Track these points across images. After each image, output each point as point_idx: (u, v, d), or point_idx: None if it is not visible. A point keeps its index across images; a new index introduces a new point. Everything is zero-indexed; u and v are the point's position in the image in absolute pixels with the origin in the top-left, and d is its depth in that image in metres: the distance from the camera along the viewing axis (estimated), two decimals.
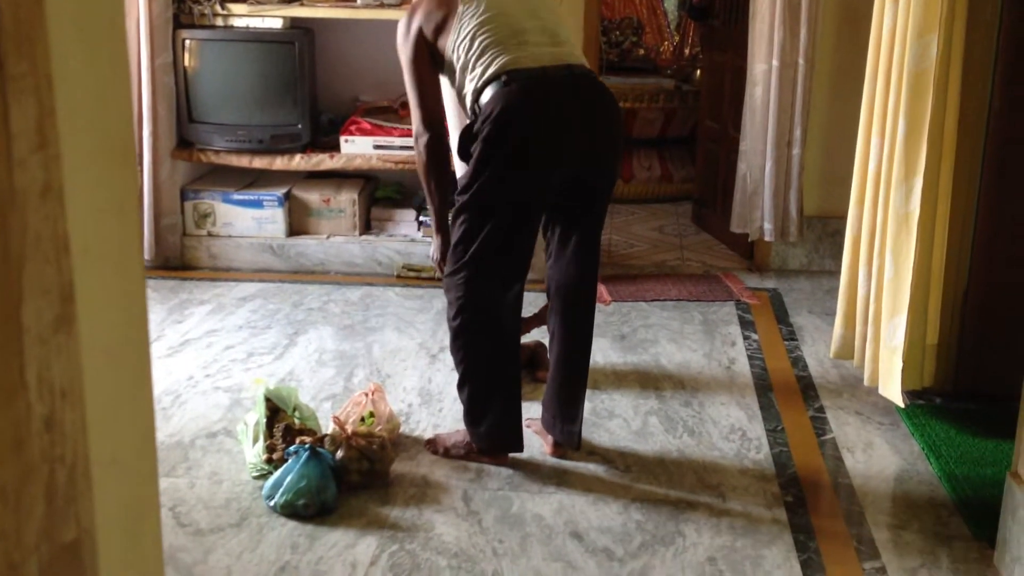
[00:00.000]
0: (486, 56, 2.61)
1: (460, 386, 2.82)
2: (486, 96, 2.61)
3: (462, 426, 2.93)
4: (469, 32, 2.64)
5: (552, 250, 2.86)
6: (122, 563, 0.57)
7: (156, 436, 0.60)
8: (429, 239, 4.48)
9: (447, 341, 3.72)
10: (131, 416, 0.57)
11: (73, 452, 0.47)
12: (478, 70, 2.62)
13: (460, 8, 2.67)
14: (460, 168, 3.91)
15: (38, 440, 0.45)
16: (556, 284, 2.85)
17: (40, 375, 0.44)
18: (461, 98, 2.74)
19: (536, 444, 2.94)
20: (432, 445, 2.92)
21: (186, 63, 4.39)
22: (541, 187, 2.67)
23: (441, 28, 2.70)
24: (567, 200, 2.76)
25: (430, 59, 2.75)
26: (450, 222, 2.79)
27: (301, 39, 4.39)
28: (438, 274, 2.95)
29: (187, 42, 4.38)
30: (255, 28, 4.39)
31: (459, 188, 2.70)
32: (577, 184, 2.73)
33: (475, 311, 2.71)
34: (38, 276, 0.44)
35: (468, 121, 2.72)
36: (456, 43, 2.66)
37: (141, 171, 4.32)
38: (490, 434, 2.80)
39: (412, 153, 4.37)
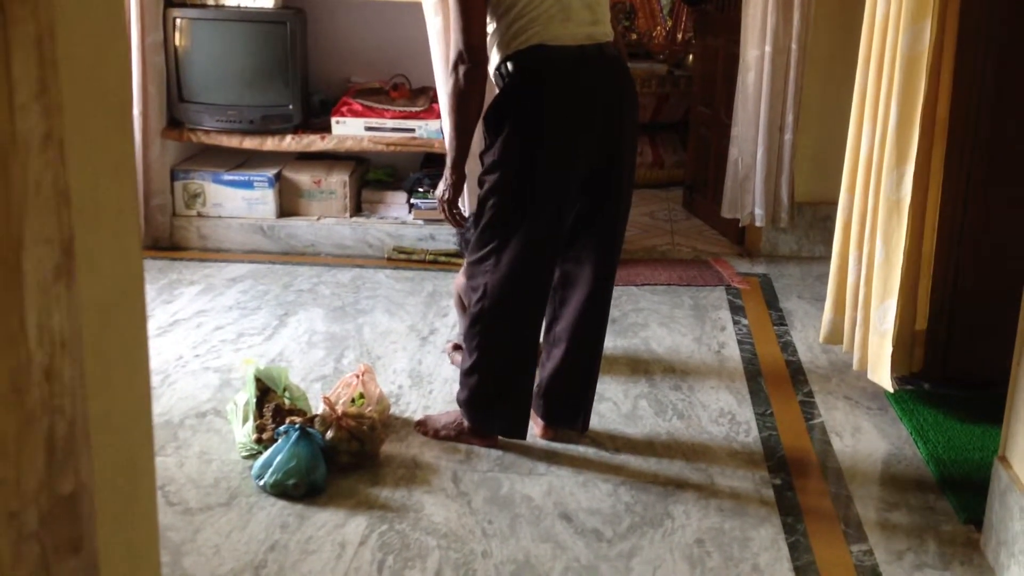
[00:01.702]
0: (533, 27, 2.53)
1: (469, 371, 2.77)
2: (518, 67, 2.55)
3: (452, 407, 2.93)
4: None
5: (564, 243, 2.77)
6: (118, 520, 0.57)
7: (152, 398, 0.60)
8: (420, 221, 4.48)
9: (437, 323, 3.74)
10: (127, 374, 0.57)
11: (72, 404, 0.47)
12: (522, 36, 2.54)
13: None
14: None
15: (38, 390, 0.45)
16: (570, 275, 2.80)
17: (40, 324, 0.44)
18: (493, 43, 2.61)
19: None
20: (422, 426, 2.92)
21: (177, 42, 4.37)
22: (572, 174, 2.62)
23: None
24: (588, 193, 2.69)
25: None
26: (478, 201, 2.70)
27: (293, 19, 4.37)
28: (444, 215, 2.82)
29: (178, 21, 4.35)
30: (246, 7, 4.37)
31: (486, 166, 2.63)
32: (599, 175, 2.68)
33: (499, 301, 2.66)
34: (39, 224, 0.44)
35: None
36: None
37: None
38: (495, 420, 2.80)
39: (403, 135, 4.39)
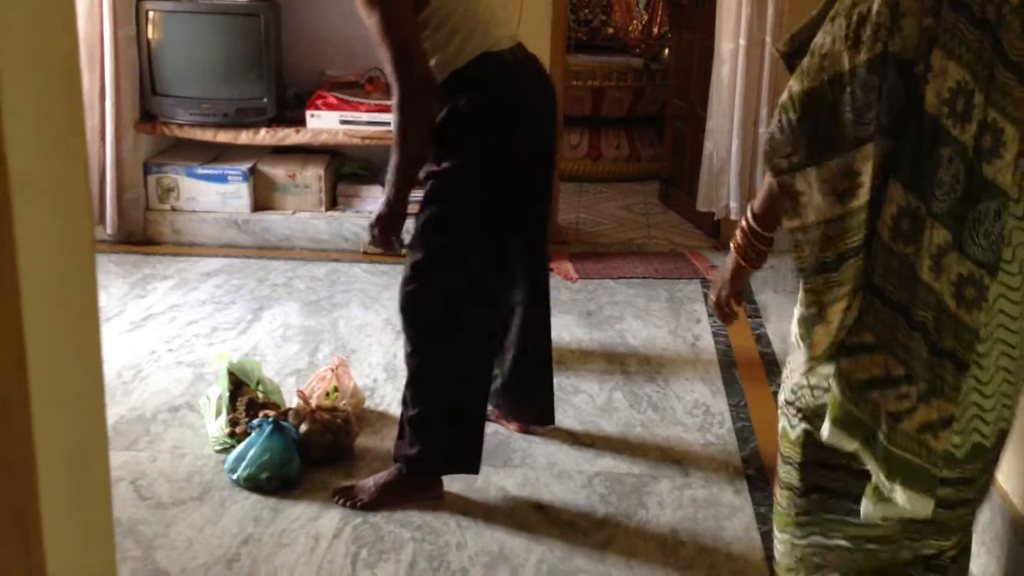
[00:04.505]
0: (473, 37, 2.41)
1: (417, 419, 2.51)
2: (469, 80, 2.41)
3: None
4: None
5: None
6: (69, 500, 0.56)
7: (104, 377, 0.59)
8: None
9: None
10: (76, 355, 0.56)
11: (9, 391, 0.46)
12: (466, 48, 2.41)
13: None
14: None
15: None
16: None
17: None
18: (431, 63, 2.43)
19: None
20: (345, 495, 2.56)
21: (149, 35, 4.33)
22: (528, 176, 2.56)
23: None
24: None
25: None
26: (431, 216, 2.47)
27: (267, 12, 4.34)
28: (371, 242, 2.54)
29: (151, 14, 4.31)
30: (220, 0, 4.33)
31: (445, 184, 2.43)
32: (535, 174, 2.62)
33: (444, 341, 2.50)
34: None
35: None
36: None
37: (104, 145, 4.27)
38: (444, 457, 2.57)
39: (378, 128, 4.36)
